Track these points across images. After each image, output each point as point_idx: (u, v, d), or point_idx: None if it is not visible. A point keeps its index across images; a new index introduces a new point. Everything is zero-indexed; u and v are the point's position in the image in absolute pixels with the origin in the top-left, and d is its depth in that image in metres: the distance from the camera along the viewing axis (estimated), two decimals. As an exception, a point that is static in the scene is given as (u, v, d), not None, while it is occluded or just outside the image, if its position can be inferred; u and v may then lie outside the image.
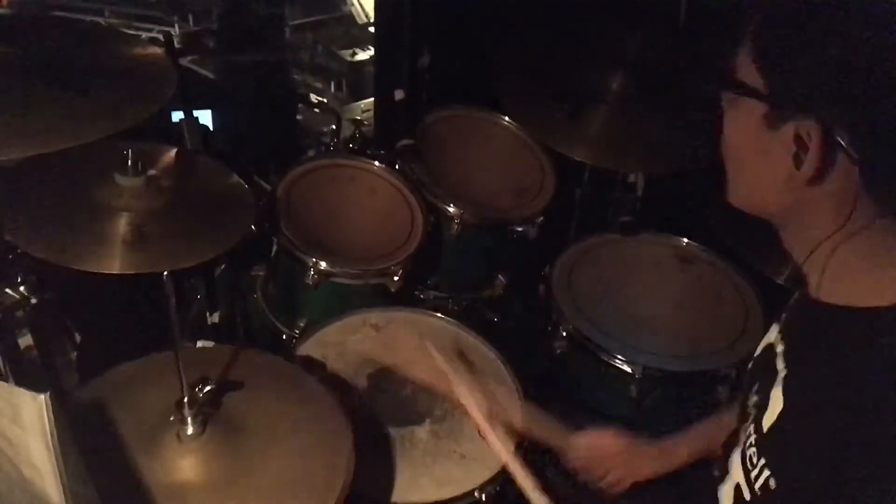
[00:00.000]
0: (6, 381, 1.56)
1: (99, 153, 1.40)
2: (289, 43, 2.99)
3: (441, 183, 1.91)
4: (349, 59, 3.20)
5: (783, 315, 0.96)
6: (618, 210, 2.11)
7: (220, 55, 2.72)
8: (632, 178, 2.10)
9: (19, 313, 1.58)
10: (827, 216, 0.78)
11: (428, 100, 2.38)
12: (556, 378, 1.75)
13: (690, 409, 1.63)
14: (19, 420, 0.77)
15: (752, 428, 0.89)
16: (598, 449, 1.27)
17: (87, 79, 1.38)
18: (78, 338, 1.90)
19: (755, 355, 1.00)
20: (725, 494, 0.94)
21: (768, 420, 0.85)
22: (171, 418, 1.12)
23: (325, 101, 2.81)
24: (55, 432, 0.76)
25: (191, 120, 1.86)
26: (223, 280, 1.96)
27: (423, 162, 1.94)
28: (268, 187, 2.01)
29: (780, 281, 1.80)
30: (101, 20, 2.87)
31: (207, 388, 1.12)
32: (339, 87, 3.28)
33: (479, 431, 1.24)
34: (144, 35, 2.77)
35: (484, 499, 1.30)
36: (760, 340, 0.97)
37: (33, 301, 1.54)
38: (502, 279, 2.01)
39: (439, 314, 1.68)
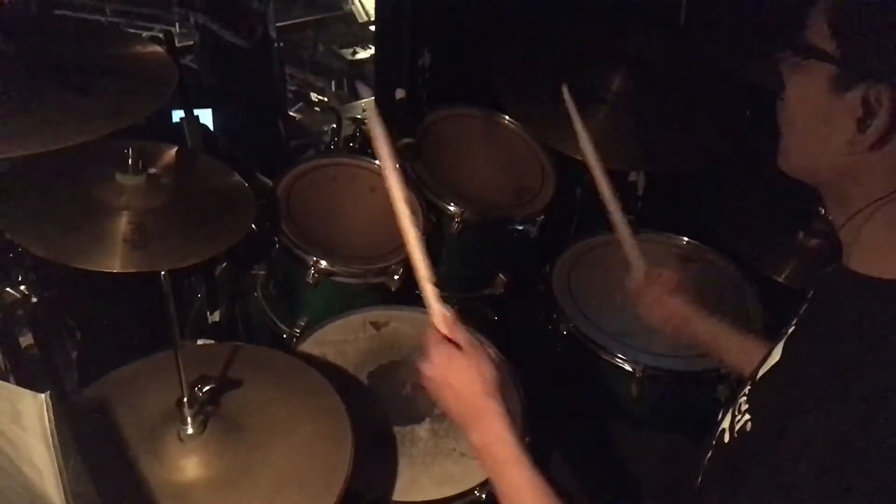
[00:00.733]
0: (7, 380, 1.57)
1: (99, 151, 1.40)
2: (279, 34, 2.97)
3: (441, 182, 1.91)
4: (350, 57, 3.21)
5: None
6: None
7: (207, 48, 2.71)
8: (632, 178, 2.09)
9: (20, 312, 1.59)
10: (877, 182, 0.78)
11: (428, 99, 2.38)
12: (557, 377, 1.75)
13: (691, 408, 1.64)
14: (20, 419, 0.77)
15: (749, 383, 0.91)
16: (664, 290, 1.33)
17: (88, 77, 1.39)
18: (78, 336, 1.90)
19: None
20: (712, 444, 0.95)
21: (763, 371, 0.87)
22: (172, 417, 1.12)
23: (325, 99, 2.82)
24: (56, 432, 0.76)
25: (191, 119, 1.86)
26: (223, 279, 1.96)
27: (424, 161, 1.94)
28: (270, 183, 2.01)
29: (779, 279, 1.81)
30: (101, 18, 2.88)
31: (207, 387, 1.13)
32: (339, 85, 3.29)
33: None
34: (145, 34, 2.77)
35: (484, 497, 1.30)
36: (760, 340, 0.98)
37: (34, 300, 1.55)
38: (503, 278, 2.01)
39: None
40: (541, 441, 1.41)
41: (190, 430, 1.12)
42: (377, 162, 1.92)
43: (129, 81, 1.44)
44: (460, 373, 1.02)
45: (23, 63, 1.38)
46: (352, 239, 1.79)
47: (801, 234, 1.80)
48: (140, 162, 1.40)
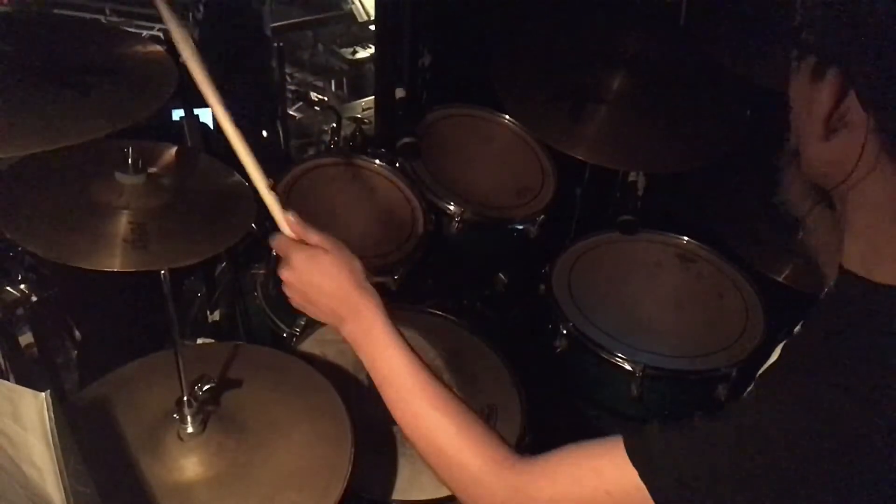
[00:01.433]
0: (7, 379, 1.56)
1: (99, 151, 1.40)
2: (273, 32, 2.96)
3: (441, 181, 1.91)
4: (350, 57, 3.20)
5: None
6: (618, 209, 2.11)
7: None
8: (632, 178, 2.09)
9: (20, 311, 1.59)
10: (847, 172, 0.77)
11: (429, 98, 2.39)
12: (557, 377, 1.75)
13: (691, 408, 1.64)
14: (20, 418, 0.77)
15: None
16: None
17: (88, 77, 1.38)
18: (78, 335, 1.90)
19: None
20: None
21: (761, 371, 0.87)
22: (172, 417, 1.12)
23: (325, 99, 2.81)
24: (56, 430, 0.76)
25: (191, 118, 1.86)
26: (223, 278, 1.96)
27: (424, 160, 1.94)
28: (271, 182, 2.01)
29: (779, 279, 1.81)
30: (101, 18, 2.87)
31: (207, 386, 1.13)
32: (339, 85, 3.28)
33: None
34: (145, 33, 2.77)
35: (483, 497, 1.30)
36: (760, 339, 0.97)
37: (34, 299, 1.55)
38: (503, 278, 2.01)
39: (439, 312, 1.68)
40: (541, 441, 1.41)
41: (190, 430, 1.12)
42: (377, 162, 1.92)
43: (129, 81, 1.44)
44: (328, 269, 1.01)
45: (22, 63, 1.38)
46: (351, 238, 1.78)
47: (801, 234, 1.80)
48: (140, 161, 1.40)
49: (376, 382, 0.99)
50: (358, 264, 1.03)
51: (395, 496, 1.28)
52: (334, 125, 2.24)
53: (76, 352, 1.88)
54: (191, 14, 2.68)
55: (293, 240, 1.04)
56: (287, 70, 3.08)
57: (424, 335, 1.62)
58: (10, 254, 1.54)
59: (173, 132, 1.85)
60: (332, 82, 3.25)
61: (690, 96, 1.90)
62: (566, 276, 1.81)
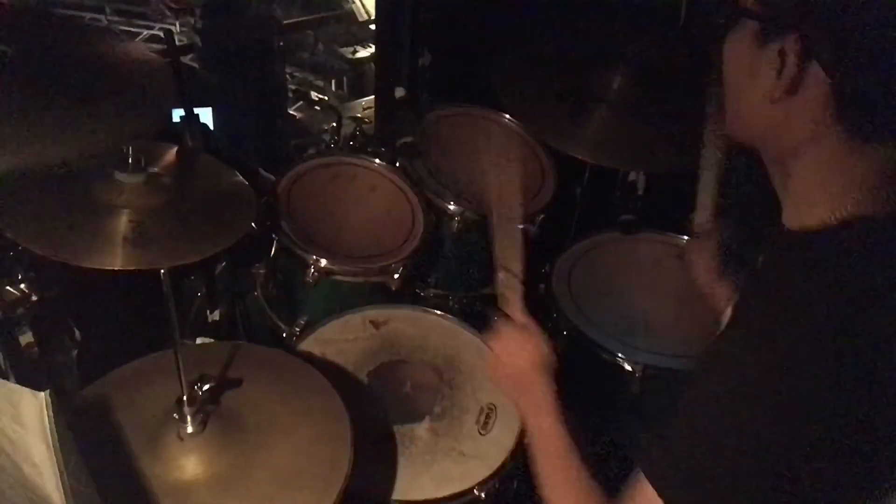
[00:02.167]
0: (6, 378, 1.56)
1: (99, 150, 1.40)
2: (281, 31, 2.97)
3: (441, 181, 1.91)
4: (350, 56, 3.20)
5: None
6: (618, 209, 2.11)
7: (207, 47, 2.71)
8: (632, 177, 2.09)
9: (20, 310, 1.58)
10: (795, 132, 0.82)
11: (429, 98, 2.38)
12: (557, 377, 1.75)
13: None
14: (20, 418, 0.77)
15: None
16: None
17: (87, 80, 1.38)
18: (78, 335, 1.90)
19: None
20: None
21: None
22: (172, 417, 1.12)
23: (325, 98, 2.81)
24: (55, 430, 0.76)
25: (191, 118, 1.86)
26: (223, 278, 1.96)
27: (424, 160, 1.94)
28: (273, 178, 2.01)
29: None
30: (101, 17, 2.87)
31: (207, 385, 1.13)
32: (339, 84, 3.28)
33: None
34: (145, 33, 2.77)
35: (483, 497, 1.30)
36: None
37: (34, 298, 1.54)
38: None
39: (440, 312, 1.68)
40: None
41: (190, 429, 1.12)
42: (377, 161, 1.92)
43: (129, 81, 1.44)
44: (524, 345, 1.23)
45: (22, 65, 1.38)
46: (352, 238, 1.79)
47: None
48: (140, 160, 1.40)
49: (534, 456, 1.11)
50: (547, 352, 1.25)
51: (395, 496, 1.28)
52: (334, 124, 2.25)
53: (76, 352, 1.88)
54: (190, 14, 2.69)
55: (510, 318, 1.28)
56: (287, 69, 3.08)
57: (424, 335, 1.62)
58: (10, 253, 1.53)
59: (173, 132, 1.85)
60: (333, 82, 3.24)
61: (690, 96, 1.90)
62: (566, 276, 1.81)
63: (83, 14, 2.91)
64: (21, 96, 1.30)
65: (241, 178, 1.60)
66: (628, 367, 1.59)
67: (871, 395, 0.75)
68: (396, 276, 1.71)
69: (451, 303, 1.98)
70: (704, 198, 1.50)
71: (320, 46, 3.26)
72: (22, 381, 1.48)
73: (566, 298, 1.75)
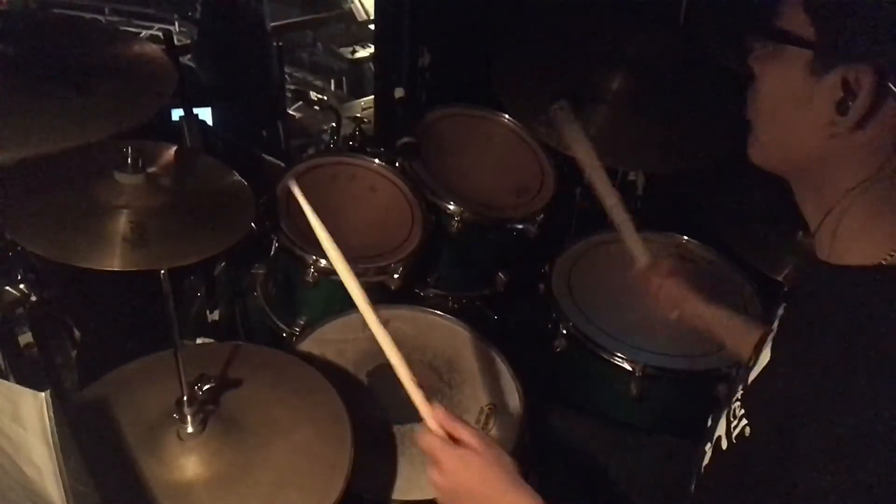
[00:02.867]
0: (6, 378, 1.56)
1: (99, 150, 1.40)
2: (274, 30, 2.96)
3: (441, 181, 1.91)
4: (349, 56, 3.20)
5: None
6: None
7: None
8: (632, 178, 2.09)
9: (19, 311, 1.58)
10: (856, 168, 0.78)
11: (428, 98, 2.38)
12: (557, 377, 1.75)
13: (691, 408, 1.64)
14: (20, 418, 0.77)
15: (740, 386, 0.90)
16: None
17: (88, 77, 1.38)
18: (78, 335, 1.90)
19: None
20: (707, 450, 0.94)
21: (754, 374, 0.87)
22: (172, 417, 1.12)
23: (325, 98, 2.81)
24: (55, 430, 0.76)
25: (191, 117, 1.86)
26: (223, 278, 1.96)
27: (424, 160, 1.94)
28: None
29: (779, 279, 1.80)
30: (101, 17, 2.87)
31: (207, 386, 1.13)
32: (339, 84, 3.28)
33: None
34: (145, 33, 2.77)
35: (483, 497, 1.30)
36: (759, 339, 0.97)
37: (33, 298, 1.54)
38: (503, 277, 2.01)
39: (439, 312, 1.68)
40: (539, 441, 1.42)
41: (190, 430, 1.12)
42: (377, 162, 1.92)
43: (129, 82, 1.44)
44: (480, 472, 0.95)
45: (22, 64, 1.38)
46: (351, 238, 1.79)
47: (800, 234, 1.80)
48: (139, 161, 1.40)
49: None
50: (508, 460, 0.97)
51: (395, 496, 1.28)
52: (334, 125, 2.25)
53: (76, 352, 1.88)
54: (189, 13, 2.69)
55: (441, 438, 1.00)
56: (287, 69, 3.08)
57: (424, 335, 1.62)
58: (9, 254, 1.53)
59: (173, 132, 1.85)
60: (332, 82, 3.25)
61: (690, 96, 1.90)
62: (566, 276, 1.81)
63: (83, 14, 2.91)
64: (20, 90, 1.30)
65: (240, 178, 1.60)
66: (628, 367, 1.59)
67: None
68: (396, 276, 1.71)
69: (450, 303, 1.98)
70: (633, 246, 1.50)
71: (319, 46, 3.26)
72: (22, 381, 1.48)
73: (566, 298, 1.75)
